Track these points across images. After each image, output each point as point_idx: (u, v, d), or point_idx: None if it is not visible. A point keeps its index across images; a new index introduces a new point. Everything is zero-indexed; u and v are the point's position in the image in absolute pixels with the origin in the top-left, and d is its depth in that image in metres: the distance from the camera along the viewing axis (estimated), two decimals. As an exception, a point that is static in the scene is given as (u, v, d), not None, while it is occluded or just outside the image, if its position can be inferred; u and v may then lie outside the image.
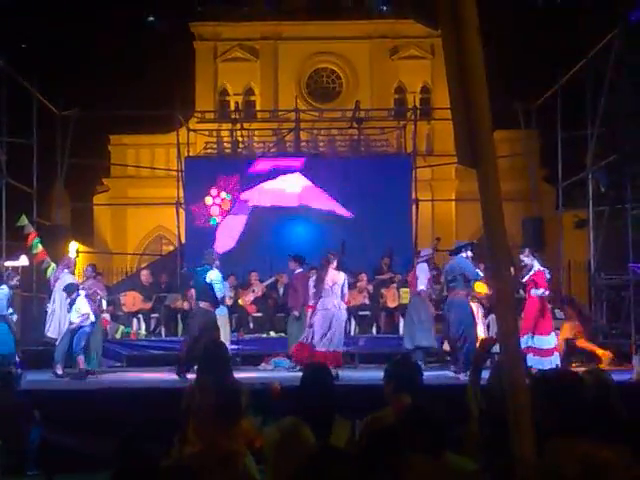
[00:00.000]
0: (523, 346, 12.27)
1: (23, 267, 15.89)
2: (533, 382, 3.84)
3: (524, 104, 20.36)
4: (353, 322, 16.81)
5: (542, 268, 13.39)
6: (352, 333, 16.50)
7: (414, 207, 20.20)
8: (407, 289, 15.65)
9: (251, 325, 17.26)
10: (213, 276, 13.15)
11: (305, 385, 4.95)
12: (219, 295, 13.22)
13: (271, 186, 19.93)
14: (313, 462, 3.22)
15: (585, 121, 17.41)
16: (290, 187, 19.87)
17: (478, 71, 2.84)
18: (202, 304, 13.18)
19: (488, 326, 15.35)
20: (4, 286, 13.34)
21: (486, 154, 2.88)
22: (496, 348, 6.65)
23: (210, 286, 13.07)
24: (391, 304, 16.66)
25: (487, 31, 3.48)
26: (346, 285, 13.08)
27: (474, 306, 14.65)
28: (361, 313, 16.80)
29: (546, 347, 12.90)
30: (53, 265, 15.42)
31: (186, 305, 17.52)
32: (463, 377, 12.23)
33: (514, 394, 2.85)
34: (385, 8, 28.48)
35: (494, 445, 4.25)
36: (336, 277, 12.90)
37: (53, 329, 14.46)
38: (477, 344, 13.15)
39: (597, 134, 16.86)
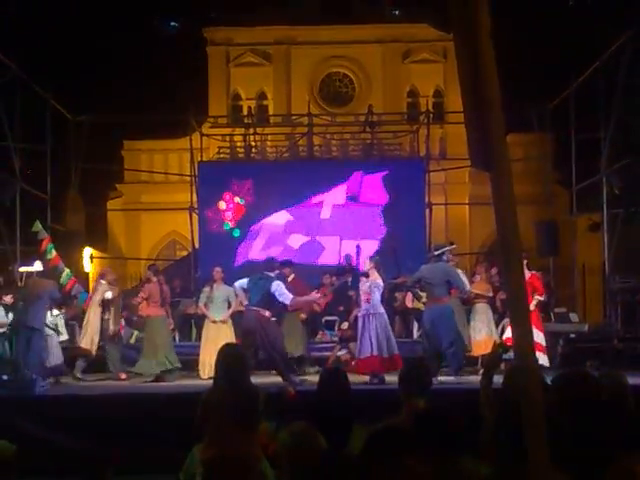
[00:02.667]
0: None
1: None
2: (552, 384, 3.85)
3: (538, 107, 20.33)
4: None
5: (534, 272, 13.37)
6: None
7: (427, 211, 20.18)
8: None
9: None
10: (276, 287, 13.14)
11: (322, 391, 4.94)
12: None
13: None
14: (317, 469, 3.23)
15: (599, 123, 17.36)
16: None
17: (490, 74, 2.83)
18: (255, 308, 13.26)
19: (502, 330, 15.31)
20: None
21: (499, 157, 2.88)
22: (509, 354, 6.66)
23: (272, 295, 13.06)
24: (409, 304, 16.42)
25: (500, 33, 3.47)
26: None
27: (483, 307, 14.65)
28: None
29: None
30: (67, 271, 15.47)
31: (200, 310, 17.55)
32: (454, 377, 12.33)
33: (528, 398, 2.84)
34: (397, 12, 28.49)
35: (509, 450, 4.24)
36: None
37: (86, 340, 14.53)
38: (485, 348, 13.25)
39: (611, 137, 16.81)
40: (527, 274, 12.81)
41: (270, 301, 13.02)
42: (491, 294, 15.08)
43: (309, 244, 20.03)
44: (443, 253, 13.59)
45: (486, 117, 2.82)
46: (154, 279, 14.65)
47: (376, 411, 4.44)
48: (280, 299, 12.91)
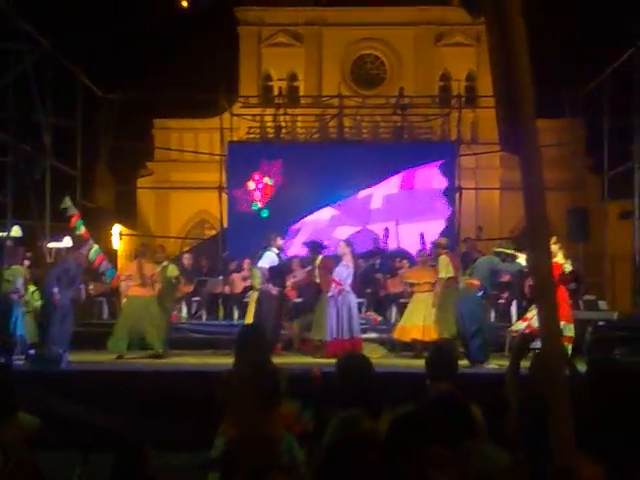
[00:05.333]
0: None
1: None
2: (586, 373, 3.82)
3: (570, 92, 20.13)
4: (394, 309, 16.79)
5: (561, 261, 13.22)
6: (393, 320, 16.48)
7: (458, 195, 20.09)
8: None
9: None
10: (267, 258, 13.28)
11: (344, 375, 4.89)
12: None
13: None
14: (336, 451, 3.21)
15: (632, 110, 17.17)
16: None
17: (522, 58, 2.79)
18: (265, 287, 13.31)
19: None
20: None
21: (529, 140, 2.83)
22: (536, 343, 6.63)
23: (271, 268, 13.19)
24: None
25: (533, 16, 3.41)
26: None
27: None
28: (402, 300, 16.72)
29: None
30: (96, 247, 15.51)
31: (227, 289, 17.60)
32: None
33: (554, 385, 2.80)
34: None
35: (535, 437, 4.21)
36: None
37: None
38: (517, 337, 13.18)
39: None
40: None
41: (270, 275, 13.21)
42: (430, 280, 14.90)
43: (359, 234, 19.93)
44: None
45: (516, 100, 2.78)
46: (137, 259, 14.67)
47: (401, 394, 4.39)
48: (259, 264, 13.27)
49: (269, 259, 13.38)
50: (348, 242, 14.27)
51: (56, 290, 12.93)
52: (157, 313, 14.11)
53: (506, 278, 17.94)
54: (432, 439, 3.23)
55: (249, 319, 13.87)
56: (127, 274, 14.57)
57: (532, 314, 13.05)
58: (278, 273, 13.50)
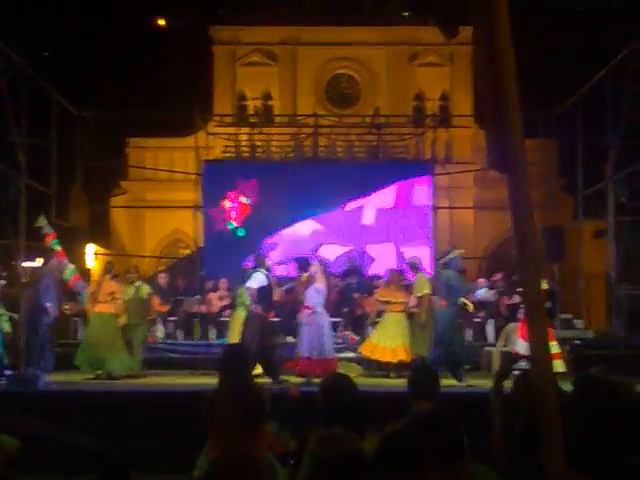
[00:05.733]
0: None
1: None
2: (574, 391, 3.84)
3: (544, 112, 20.27)
4: (371, 328, 16.76)
5: None
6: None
7: (433, 214, 20.16)
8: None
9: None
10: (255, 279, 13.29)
11: (329, 394, 4.88)
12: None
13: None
14: (324, 468, 3.20)
15: (606, 130, 17.30)
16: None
17: (510, 75, 2.82)
18: (253, 307, 13.35)
19: (507, 337, 15.26)
20: None
21: (517, 158, 2.85)
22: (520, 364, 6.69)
23: (261, 289, 13.21)
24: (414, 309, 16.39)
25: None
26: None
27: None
28: (377, 320, 16.73)
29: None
30: (71, 266, 15.43)
31: (204, 308, 17.55)
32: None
33: (544, 404, 2.81)
34: (407, 14, 28.44)
35: (520, 457, 4.22)
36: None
37: None
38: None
39: (618, 143, 16.75)
40: None
41: (259, 296, 13.22)
42: (404, 300, 15.04)
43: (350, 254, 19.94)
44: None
45: (504, 117, 2.80)
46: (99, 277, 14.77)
47: (383, 415, 4.39)
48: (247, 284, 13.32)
49: (258, 280, 13.35)
50: (321, 261, 14.30)
51: (49, 305, 13.00)
52: (114, 332, 14.09)
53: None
54: (424, 459, 3.22)
55: (233, 338, 13.80)
56: (90, 291, 14.55)
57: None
58: (266, 294, 13.48)
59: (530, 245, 2.87)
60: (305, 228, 20.32)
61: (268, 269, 13.80)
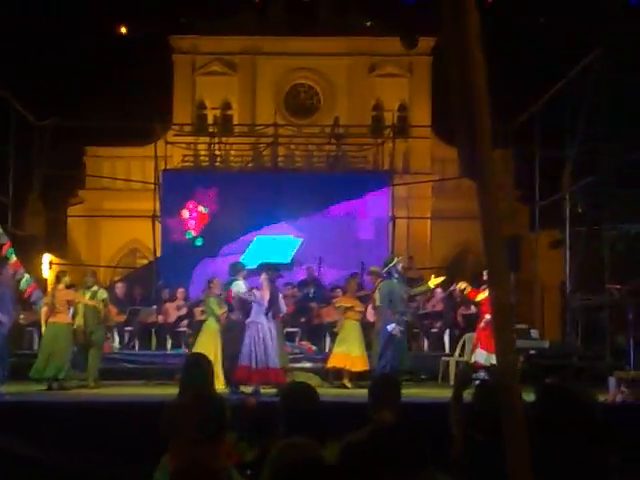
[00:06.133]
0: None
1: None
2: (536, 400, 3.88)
3: (502, 123, 20.42)
4: (328, 338, 16.79)
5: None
6: (327, 350, 16.48)
7: (391, 225, 20.23)
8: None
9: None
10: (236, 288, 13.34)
11: (289, 404, 4.88)
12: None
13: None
14: (285, 476, 3.19)
15: (562, 141, 17.47)
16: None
17: (480, 82, 2.84)
18: (233, 316, 13.46)
19: (463, 346, 15.39)
20: None
21: (486, 166, 2.87)
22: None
23: (239, 298, 13.32)
24: (372, 319, 16.36)
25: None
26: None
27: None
28: (335, 330, 16.73)
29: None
30: (27, 276, 15.26)
31: (161, 319, 17.46)
32: None
33: (510, 412, 2.82)
34: (369, 23, 28.52)
35: (481, 465, 4.24)
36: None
37: None
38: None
39: (575, 155, 16.92)
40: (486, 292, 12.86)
41: (239, 304, 13.32)
42: (361, 310, 15.29)
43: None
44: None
45: (474, 125, 2.82)
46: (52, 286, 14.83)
47: (343, 424, 4.39)
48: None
49: (241, 287, 13.42)
50: (269, 270, 14.23)
51: (3, 315, 12.91)
52: (66, 342, 14.06)
53: (439, 307, 18.14)
54: (386, 468, 3.22)
55: (201, 348, 13.65)
56: (45, 301, 14.48)
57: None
58: (245, 302, 13.52)
59: (499, 253, 2.90)
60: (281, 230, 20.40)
61: (245, 279, 13.80)
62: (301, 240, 20.16)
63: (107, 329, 15.91)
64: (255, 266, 14.86)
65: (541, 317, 20.56)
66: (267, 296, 13.16)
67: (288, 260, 19.78)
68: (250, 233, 20.20)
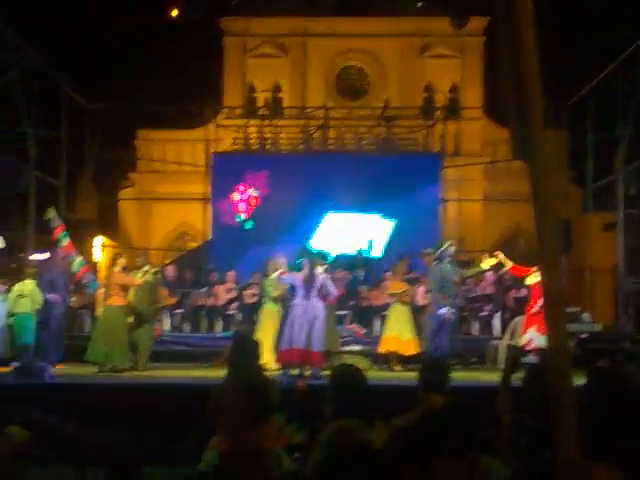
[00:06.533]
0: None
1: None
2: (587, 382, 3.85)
3: (555, 103, 20.18)
4: (378, 321, 16.75)
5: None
6: (375, 333, 16.45)
7: (441, 207, 20.12)
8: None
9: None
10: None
11: (337, 387, 4.88)
12: None
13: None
14: (333, 460, 3.19)
15: (616, 122, 17.24)
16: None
17: (532, 63, 2.81)
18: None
19: (513, 331, 15.21)
20: None
21: (538, 147, 2.83)
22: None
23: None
24: (422, 302, 16.22)
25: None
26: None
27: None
28: (384, 313, 16.67)
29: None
30: (79, 259, 15.43)
31: (211, 301, 17.54)
32: None
33: (561, 396, 2.79)
34: (420, 4, 28.30)
35: (530, 451, 4.20)
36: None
37: None
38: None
39: (628, 136, 16.69)
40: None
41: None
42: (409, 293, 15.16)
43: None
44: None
45: (525, 106, 2.79)
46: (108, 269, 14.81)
47: (392, 408, 4.38)
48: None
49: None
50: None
51: (52, 296, 13.04)
52: (122, 324, 13.98)
53: (489, 290, 17.98)
54: (435, 451, 3.21)
55: (262, 332, 13.62)
56: (101, 284, 14.57)
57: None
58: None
59: (551, 235, 2.86)
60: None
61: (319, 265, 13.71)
62: (395, 222, 20.16)
63: (157, 311, 15.87)
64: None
65: (592, 300, 20.35)
66: (302, 277, 12.91)
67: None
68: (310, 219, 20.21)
